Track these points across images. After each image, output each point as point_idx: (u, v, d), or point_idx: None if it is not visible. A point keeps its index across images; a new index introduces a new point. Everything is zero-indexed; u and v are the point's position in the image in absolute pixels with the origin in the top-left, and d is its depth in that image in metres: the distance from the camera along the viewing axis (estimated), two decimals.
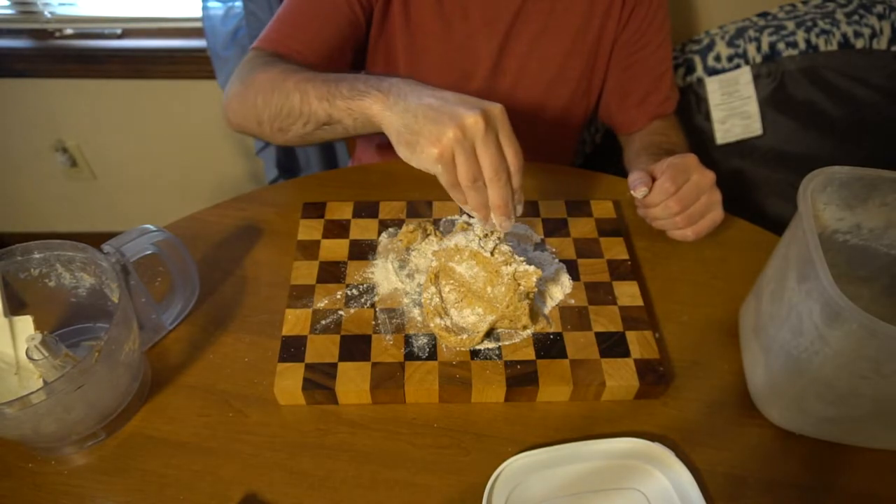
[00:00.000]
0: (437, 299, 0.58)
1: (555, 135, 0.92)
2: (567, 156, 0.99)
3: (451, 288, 0.58)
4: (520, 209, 0.52)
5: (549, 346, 0.57)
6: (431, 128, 0.47)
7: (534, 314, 0.58)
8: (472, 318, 0.57)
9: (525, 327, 0.57)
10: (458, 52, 0.81)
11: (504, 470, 0.50)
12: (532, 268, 0.56)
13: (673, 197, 0.62)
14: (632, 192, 0.64)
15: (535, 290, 0.56)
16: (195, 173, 1.58)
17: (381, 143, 0.96)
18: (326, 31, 0.73)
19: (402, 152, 0.50)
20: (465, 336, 0.56)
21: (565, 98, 0.86)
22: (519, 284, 0.55)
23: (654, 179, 0.64)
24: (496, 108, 0.49)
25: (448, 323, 0.57)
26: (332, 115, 0.57)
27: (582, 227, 0.68)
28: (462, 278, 0.58)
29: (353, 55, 0.80)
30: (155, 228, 0.56)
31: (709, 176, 0.63)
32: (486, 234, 0.57)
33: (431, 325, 0.57)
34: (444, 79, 0.83)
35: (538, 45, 0.81)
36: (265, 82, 0.62)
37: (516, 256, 0.56)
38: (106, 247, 0.53)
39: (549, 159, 0.96)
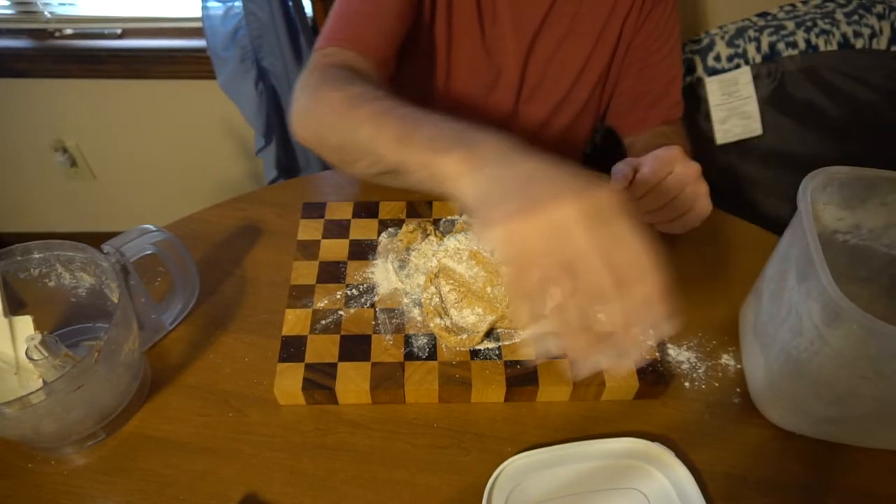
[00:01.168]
0: (437, 299, 0.58)
1: (567, 139, 0.92)
2: (576, 158, 0.99)
3: (451, 288, 0.58)
4: (658, 335, 0.36)
5: None
6: (507, 206, 0.35)
7: None
8: (471, 317, 0.57)
9: (525, 326, 0.57)
10: (487, 55, 0.80)
11: (504, 470, 0.50)
12: None
13: (656, 189, 0.61)
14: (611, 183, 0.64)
15: None
16: (195, 173, 1.58)
17: None
18: (390, 21, 0.67)
19: (477, 226, 0.38)
20: (464, 336, 0.56)
21: (581, 102, 0.86)
22: None
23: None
24: (606, 197, 0.34)
25: (448, 323, 0.57)
26: (400, 162, 0.45)
27: None
28: (462, 278, 0.58)
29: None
30: (155, 228, 0.56)
31: (693, 167, 0.61)
32: None
33: (431, 325, 0.57)
34: (472, 83, 0.82)
35: (561, 49, 0.80)
36: (335, 105, 0.53)
37: None
38: (106, 247, 0.53)
39: (566, 158, 0.95)
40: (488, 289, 0.56)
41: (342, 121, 0.52)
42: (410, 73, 0.81)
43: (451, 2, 0.76)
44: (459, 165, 0.40)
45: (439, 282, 0.59)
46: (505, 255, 0.35)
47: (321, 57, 0.63)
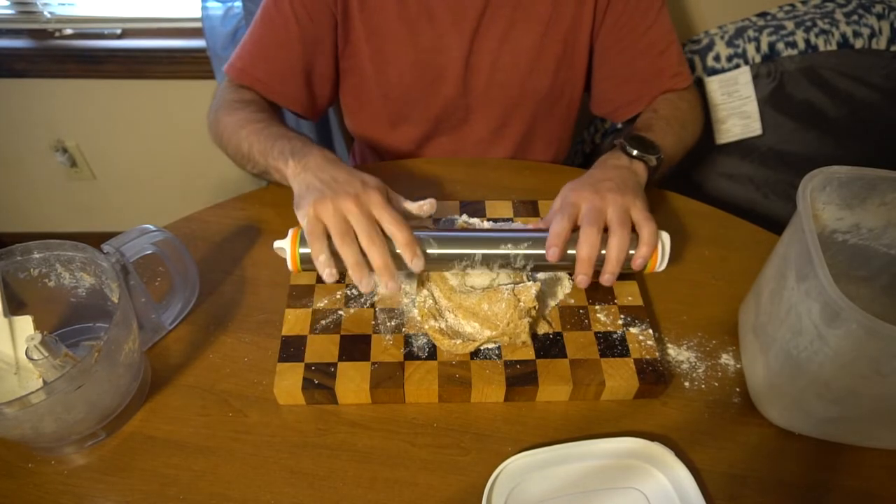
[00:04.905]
0: (431, 301, 0.58)
1: (543, 128, 0.91)
2: (563, 149, 0.98)
3: (442, 293, 0.58)
4: (417, 262, 0.55)
5: (548, 346, 0.57)
6: (313, 196, 0.57)
7: (534, 318, 0.58)
8: (468, 328, 0.56)
9: (524, 343, 0.56)
10: (427, 54, 0.81)
11: (504, 470, 0.50)
12: (530, 282, 0.55)
13: (584, 230, 0.56)
14: (577, 285, 0.58)
15: (536, 305, 0.55)
16: (195, 173, 1.58)
17: (374, 150, 0.96)
18: (286, 57, 0.78)
19: (295, 209, 0.61)
20: (458, 341, 0.55)
21: (544, 89, 0.85)
22: (519, 300, 0.55)
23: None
24: (372, 195, 0.56)
25: (443, 325, 0.57)
26: (266, 168, 0.68)
27: None
28: (451, 290, 0.57)
29: (330, 70, 0.83)
30: (155, 228, 0.56)
31: (583, 194, 0.59)
32: None
33: (426, 326, 0.57)
34: (416, 83, 0.83)
35: (508, 39, 0.80)
36: (228, 126, 0.73)
37: None
38: (106, 247, 0.53)
39: (545, 152, 0.95)
40: (484, 306, 0.55)
41: (232, 138, 0.72)
42: (354, 84, 0.86)
43: (369, 15, 0.78)
44: (293, 170, 0.63)
45: (431, 285, 0.59)
46: (305, 227, 0.56)
47: (228, 82, 0.81)
